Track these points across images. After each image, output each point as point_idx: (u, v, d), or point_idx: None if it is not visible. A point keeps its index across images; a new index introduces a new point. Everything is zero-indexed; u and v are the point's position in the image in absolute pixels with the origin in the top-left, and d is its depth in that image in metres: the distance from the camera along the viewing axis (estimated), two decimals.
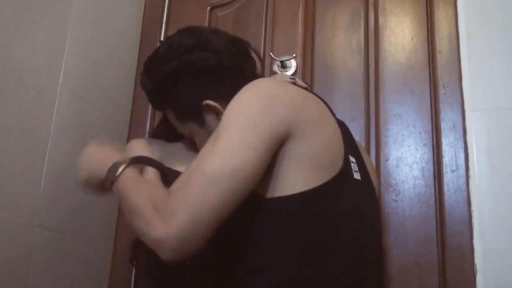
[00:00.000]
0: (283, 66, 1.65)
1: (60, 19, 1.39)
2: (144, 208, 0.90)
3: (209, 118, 1.18)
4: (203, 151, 0.96)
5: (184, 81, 1.17)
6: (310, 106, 1.01)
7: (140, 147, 1.26)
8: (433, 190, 1.43)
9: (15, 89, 1.23)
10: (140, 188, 0.97)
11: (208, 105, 1.16)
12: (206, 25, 1.77)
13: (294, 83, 1.13)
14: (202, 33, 1.23)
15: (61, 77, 1.38)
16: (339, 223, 0.99)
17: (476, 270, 1.33)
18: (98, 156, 1.09)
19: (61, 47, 1.39)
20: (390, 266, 1.40)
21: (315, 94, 1.13)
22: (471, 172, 1.40)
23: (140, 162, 1.14)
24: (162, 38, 1.77)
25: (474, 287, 1.32)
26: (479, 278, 1.33)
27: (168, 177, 1.18)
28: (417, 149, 1.48)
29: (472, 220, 1.37)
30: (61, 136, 1.37)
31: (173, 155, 1.27)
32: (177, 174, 1.20)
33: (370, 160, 1.30)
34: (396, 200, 1.45)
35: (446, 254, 1.37)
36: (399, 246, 1.41)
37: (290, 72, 1.64)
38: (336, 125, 1.06)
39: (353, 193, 1.03)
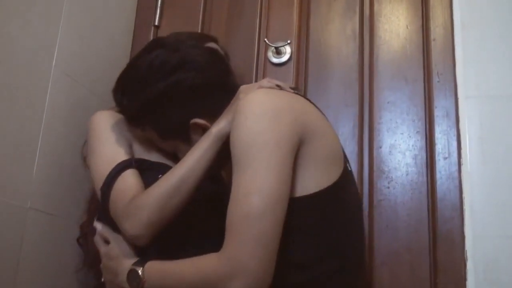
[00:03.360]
0: (278, 52, 1.65)
1: (54, 1, 1.38)
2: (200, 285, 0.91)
3: (195, 136, 1.17)
4: (233, 195, 0.93)
5: (170, 103, 1.15)
6: (308, 110, 1.05)
7: (107, 125, 1.24)
8: (425, 177, 1.45)
9: (8, 71, 1.22)
10: (176, 272, 0.97)
11: (196, 124, 1.15)
12: (201, 11, 1.76)
13: (281, 89, 1.13)
14: (182, 47, 1.17)
15: (54, 60, 1.37)
16: (352, 211, 1.06)
17: (466, 256, 1.35)
18: (109, 268, 1.12)
19: (55, 29, 1.38)
20: (382, 251, 1.41)
21: (302, 95, 1.17)
22: (463, 160, 1.41)
23: (120, 170, 1.16)
24: (156, 22, 1.76)
25: (464, 273, 1.34)
26: (469, 264, 1.34)
27: (152, 171, 1.19)
28: (410, 137, 1.49)
29: (463, 207, 1.38)
30: (54, 119, 1.36)
31: (142, 138, 1.27)
32: (160, 165, 1.20)
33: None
34: (389, 187, 1.46)
35: (437, 240, 1.38)
36: (391, 232, 1.42)
37: (284, 58, 1.64)
38: (328, 122, 1.11)
39: (353, 183, 1.10)
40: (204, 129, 1.15)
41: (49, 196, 1.35)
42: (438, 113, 1.47)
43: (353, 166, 1.49)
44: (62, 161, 1.39)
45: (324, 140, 1.00)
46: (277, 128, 0.95)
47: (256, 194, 0.90)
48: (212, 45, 1.41)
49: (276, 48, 1.64)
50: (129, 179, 1.17)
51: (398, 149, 1.49)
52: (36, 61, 1.31)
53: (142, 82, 1.15)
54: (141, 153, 1.27)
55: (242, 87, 1.14)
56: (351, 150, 1.52)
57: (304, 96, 1.17)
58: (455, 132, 1.44)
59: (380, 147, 1.50)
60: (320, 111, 1.12)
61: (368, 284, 1.40)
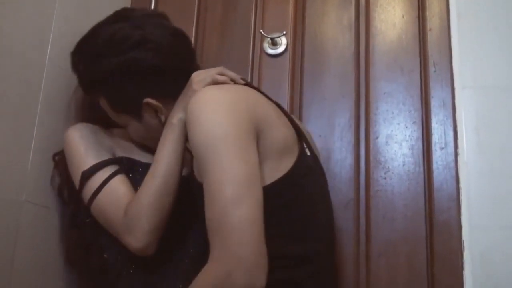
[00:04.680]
0: (273, 43, 1.64)
1: None
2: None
3: (148, 115, 1.18)
4: (207, 194, 0.91)
5: (124, 79, 1.15)
6: (261, 102, 1.05)
7: (83, 135, 1.24)
8: (422, 168, 1.44)
9: (2, 64, 1.21)
10: None
11: (148, 103, 1.15)
12: (196, 2, 1.74)
13: (234, 81, 1.13)
14: (147, 25, 1.16)
15: (48, 53, 1.36)
16: (311, 199, 1.06)
17: (463, 246, 1.35)
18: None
19: (48, 22, 1.36)
20: (379, 242, 1.41)
21: (254, 87, 1.17)
22: (459, 150, 1.41)
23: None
24: None
25: (461, 263, 1.34)
26: (466, 254, 1.34)
27: (141, 173, 1.20)
28: (406, 127, 1.48)
29: (460, 197, 1.38)
30: (49, 112, 1.35)
31: (120, 143, 1.27)
32: (147, 165, 1.20)
33: (305, 128, 1.32)
34: (385, 178, 1.46)
35: (433, 231, 1.38)
36: (388, 222, 1.42)
37: (280, 49, 1.63)
38: (279, 110, 1.10)
39: (311, 169, 1.09)
40: (156, 110, 1.15)
41: (44, 189, 1.34)
42: (434, 103, 1.47)
43: (350, 157, 1.50)
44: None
45: (276, 132, 1.00)
46: (235, 120, 0.94)
47: (228, 185, 0.88)
48: None
49: (272, 39, 1.63)
50: (116, 191, 1.18)
51: (395, 139, 1.48)
52: (29, 55, 1.30)
53: (99, 53, 1.15)
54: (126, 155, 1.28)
55: (195, 74, 1.14)
56: (347, 141, 1.51)
57: (256, 88, 1.17)
58: (452, 122, 1.44)
59: (377, 138, 1.50)
60: (274, 102, 1.12)
61: (365, 275, 1.41)
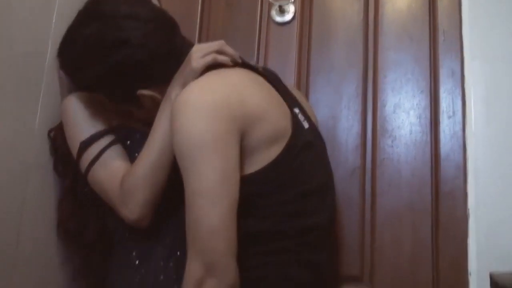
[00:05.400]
0: (281, 10, 1.62)
1: None
2: None
3: (146, 102, 1.17)
4: (185, 198, 0.97)
5: (113, 80, 1.12)
6: (247, 95, 1.02)
7: (80, 105, 1.24)
8: (429, 137, 1.44)
9: (7, 31, 1.20)
10: None
11: (142, 95, 1.14)
12: None
13: (223, 52, 1.11)
14: (118, 19, 1.10)
15: (54, 19, 1.34)
16: (304, 181, 1.06)
17: (468, 214, 1.35)
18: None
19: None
20: (384, 210, 1.41)
21: (248, 65, 1.14)
22: (467, 119, 1.41)
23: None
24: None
25: (466, 231, 1.34)
26: (471, 222, 1.35)
27: (138, 140, 1.20)
28: (414, 96, 1.47)
29: (467, 166, 1.38)
30: (55, 77, 1.34)
31: (118, 110, 1.27)
32: (145, 133, 1.20)
33: (303, 97, 1.31)
34: (392, 146, 1.45)
35: (439, 200, 1.38)
36: (393, 191, 1.42)
37: (288, 17, 1.62)
38: (271, 90, 1.09)
39: (308, 145, 1.09)
40: (153, 98, 1.15)
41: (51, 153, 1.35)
42: (443, 72, 1.45)
43: (356, 126, 1.49)
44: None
45: (264, 124, 1.00)
46: (214, 128, 0.95)
47: (201, 196, 0.94)
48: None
49: (280, 6, 1.62)
50: (112, 162, 1.18)
51: (402, 108, 1.47)
52: (35, 23, 1.29)
53: (81, 62, 1.12)
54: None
55: (194, 49, 1.12)
56: (354, 110, 1.51)
57: (253, 66, 1.13)
58: (460, 92, 1.43)
59: (384, 106, 1.49)
60: (270, 79, 1.11)
61: (369, 242, 1.41)
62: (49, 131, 1.32)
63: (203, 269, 0.92)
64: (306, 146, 1.07)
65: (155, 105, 1.16)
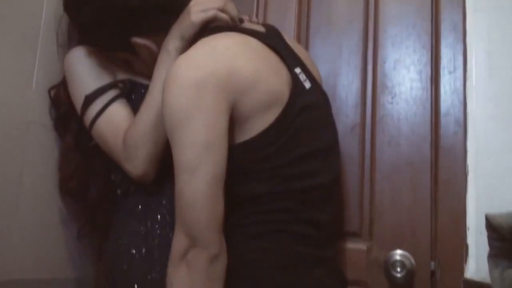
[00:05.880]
0: None
1: None
2: None
3: (141, 51, 1.17)
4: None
5: (106, 24, 1.13)
6: (238, 66, 1.00)
7: (83, 59, 1.24)
8: (429, 93, 1.42)
9: None
10: None
11: (136, 42, 1.14)
12: None
13: (225, 11, 1.11)
14: None
15: None
16: (306, 136, 1.06)
17: (467, 170, 1.34)
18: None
19: None
20: (384, 166, 1.41)
21: (247, 30, 1.11)
22: (468, 74, 1.38)
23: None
24: None
25: (465, 187, 1.34)
26: (470, 178, 1.34)
27: (143, 94, 1.19)
28: (415, 51, 1.45)
29: (467, 122, 1.37)
30: (52, 33, 1.33)
31: (122, 64, 1.26)
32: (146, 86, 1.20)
33: (306, 53, 1.28)
34: (392, 103, 1.44)
35: (439, 155, 1.38)
36: (393, 147, 1.42)
37: None
38: (267, 54, 1.07)
39: (310, 105, 1.08)
40: (146, 47, 1.15)
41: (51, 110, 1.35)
42: (445, 26, 1.43)
43: (356, 82, 1.48)
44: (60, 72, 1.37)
45: (257, 92, 0.99)
46: (198, 103, 0.95)
47: (184, 169, 0.95)
48: None
49: None
50: (116, 116, 1.19)
51: (403, 64, 1.45)
52: None
53: (75, 3, 1.15)
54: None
55: (194, 2, 1.12)
56: (354, 65, 1.49)
57: (249, 30, 1.11)
58: (462, 46, 1.40)
59: (385, 62, 1.47)
60: (266, 43, 1.08)
61: (369, 199, 1.42)
62: (50, 89, 1.32)
63: (187, 240, 0.94)
64: (306, 107, 1.07)
65: (152, 56, 1.15)
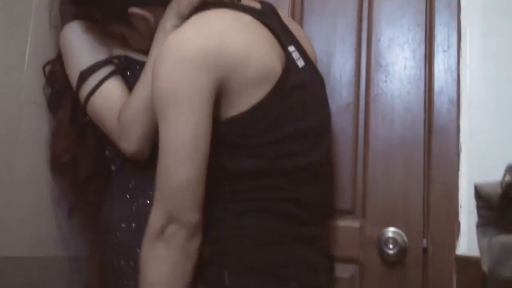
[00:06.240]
0: None
1: None
2: None
3: (138, 23, 1.16)
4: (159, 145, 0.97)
5: None
6: (230, 39, 0.99)
7: (79, 33, 1.23)
8: (423, 71, 1.42)
9: None
10: None
11: (134, 13, 1.13)
12: None
13: None
14: None
15: None
16: (296, 115, 1.05)
17: (460, 148, 1.36)
18: None
19: None
20: (377, 144, 1.42)
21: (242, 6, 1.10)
22: (462, 52, 1.39)
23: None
24: None
25: (458, 165, 1.35)
26: (463, 156, 1.35)
27: (138, 71, 1.19)
28: (410, 30, 1.45)
29: (460, 100, 1.38)
30: (44, 10, 1.32)
31: (118, 40, 1.25)
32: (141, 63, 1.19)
33: (303, 34, 1.27)
34: (386, 81, 1.44)
35: (432, 133, 1.39)
36: (387, 125, 1.42)
37: None
38: (260, 31, 1.06)
39: (302, 84, 1.08)
40: (144, 19, 1.14)
41: (44, 89, 1.34)
42: (439, 4, 1.42)
43: (351, 60, 1.48)
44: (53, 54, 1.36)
45: (247, 68, 0.98)
46: (189, 84, 0.94)
47: (169, 150, 0.95)
48: None
49: None
50: (111, 93, 1.18)
51: (397, 42, 1.45)
52: None
53: None
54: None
55: None
56: (349, 44, 1.49)
57: (242, 6, 1.10)
58: (456, 24, 1.40)
59: (379, 41, 1.47)
60: (259, 19, 1.07)
61: (362, 177, 1.43)
62: (44, 65, 1.31)
63: (165, 218, 0.94)
64: (298, 86, 1.06)
65: (149, 29, 1.14)
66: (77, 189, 1.34)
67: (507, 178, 0.90)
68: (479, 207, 0.97)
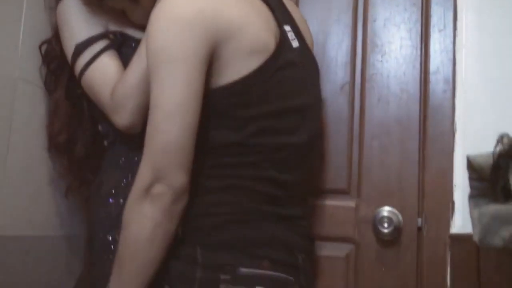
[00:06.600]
0: None
1: None
2: None
3: None
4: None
5: None
6: (226, 5, 0.99)
7: (75, 9, 1.23)
8: (419, 51, 1.42)
9: None
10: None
11: None
12: None
13: None
14: None
15: None
16: (284, 93, 1.05)
17: (455, 128, 1.36)
18: None
19: None
20: (373, 124, 1.42)
21: None
22: (458, 32, 1.39)
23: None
24: None
25: (453, 145, 1.35)
26: (458, 135, 1.35)
27: (134, 48, 1.19)
28: (405, 9, 1.45)
29: (456, 79, 1.37)
30: None
31: (114, 17, 1.25)
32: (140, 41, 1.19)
33: (301, 17, 1.26)
34: (381, 61, 1.44)
35: (427, 113, 1.39)
36: (382, 105, 1.42)
37: None
38: (257, 4, 1.06)
39: (292, 63, 1.07)
40: None
41: (39, 67, 1.33)
42: None
43: (347, 40, 1.48)
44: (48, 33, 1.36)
45: (241, 37, 0.98)
46: (184, 43, 0.94)
47: (160, 108, 0.95)
48: None
49: None
50: (105, 67, 1.18)
51: (393, 22, 1.45)
52: None
53: None
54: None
55: None
56: (345, 24, 1.48)
57: None
58: (452, 3, 1.40)
59: (375, 21, 1.46)
60: None
61: (357, 156, 1.43)
62: (41, 44, 1.31)
63: (152, 176, 0.94)
64: (290, 64, 1.06)
65: (150, 3, 1.14)
66: (74, 167, 1.34)
67: (499, 147, 0.90)
68: (471, 179, 0.97)
